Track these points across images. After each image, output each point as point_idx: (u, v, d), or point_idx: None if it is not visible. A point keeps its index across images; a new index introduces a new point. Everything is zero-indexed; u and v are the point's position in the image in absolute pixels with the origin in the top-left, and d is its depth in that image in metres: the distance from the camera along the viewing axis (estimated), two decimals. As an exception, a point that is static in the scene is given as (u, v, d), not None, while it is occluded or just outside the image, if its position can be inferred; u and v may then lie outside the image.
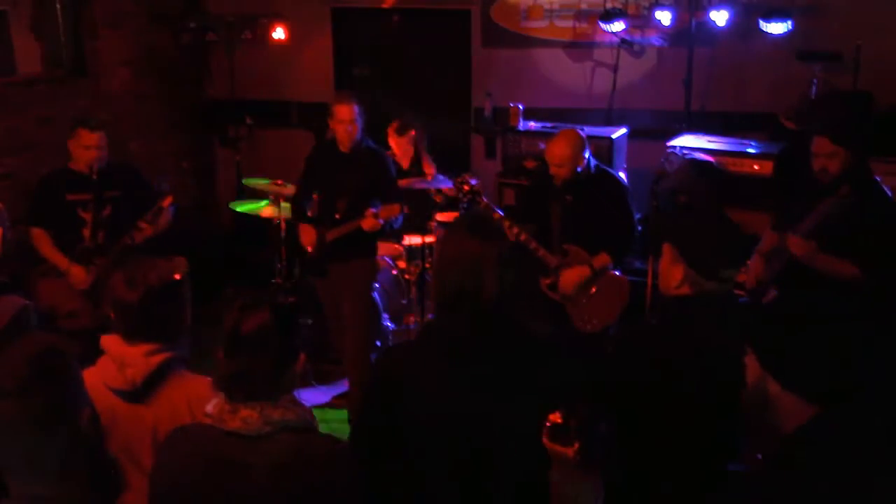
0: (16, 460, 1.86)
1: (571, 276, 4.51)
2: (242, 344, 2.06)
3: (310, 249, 4.88)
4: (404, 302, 5.87)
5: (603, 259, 4.50)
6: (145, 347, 2.48)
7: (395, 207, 4.68)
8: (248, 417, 2.04)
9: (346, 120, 4.67)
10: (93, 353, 2.58)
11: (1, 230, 3.97)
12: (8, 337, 2.13)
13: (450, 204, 5.97)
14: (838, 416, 1.86)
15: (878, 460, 1.80)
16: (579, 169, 4.45)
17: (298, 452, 2.06)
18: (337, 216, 4.76)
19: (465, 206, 4.93)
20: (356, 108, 4.68)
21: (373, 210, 4.59)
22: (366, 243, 4.83)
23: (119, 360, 2.48)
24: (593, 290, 4.53)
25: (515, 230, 4.48)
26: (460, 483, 2.20)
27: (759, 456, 2.40)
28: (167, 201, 4.47)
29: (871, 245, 3.62)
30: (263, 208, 5.71)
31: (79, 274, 4.43)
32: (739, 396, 2.11)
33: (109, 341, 2.53)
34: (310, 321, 5.64)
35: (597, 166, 4.63)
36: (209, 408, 2.10)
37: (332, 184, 4.83)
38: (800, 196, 3.95)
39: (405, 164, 6.15)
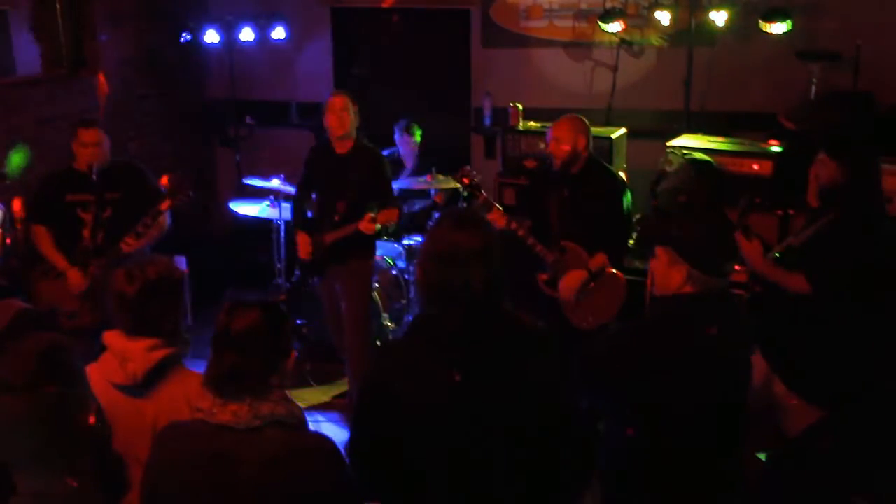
0: (24, 456, 1.87)
1: (570, 283, 4.53)
2: (232, 342, 2.10)
3: (305, 258, 4.89)
4: (404, 302, 5.87)
5: (600, 260, 4.51)
6: (146, 343, 2.52)
7: (394, 212, 4.68)
8: (237, 411, 2.07)
9: (337, 108, 4.70)
10: (92, 353, 2.60)
11: (0, 231, 3.97)
12: (7, 340, 2.13)
13: (449, 203, 5.98)
14: (845, 418, 1.86)
15: (882, 462, 1.81)
16: (579, 151, 4.50)
17: (288, 447, 2.09)
18: (336, 218, 4.76)
19: (464, 198, 4.94)
20: (348, 100, 4.72)
21: (370, 214, 4.60)
22: (364, 244, 4.83)
23: (120, 355, 2.51)
24: (591, 285, 4.54)
25: (514, 225, 4.50)
26: (460, 479, 2.21)
27: (760, 456, 2.40)
28: (166, 204, 4.46)
29: (829, 269, 3.50)
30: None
31: (76, 278, 4.44)
32: (745, 396, 2.11)
33: (111, 337, 2.57)
34: (310, 322, 5.66)
35: (597, 162, 4.66)
36: (201, 403, 2.12)
37: (330, 186, 4.84)
38: (806, 210, 3.89)
39: (408, 163, 6.16)
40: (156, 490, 2.15)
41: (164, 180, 4.53)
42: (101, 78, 4.82)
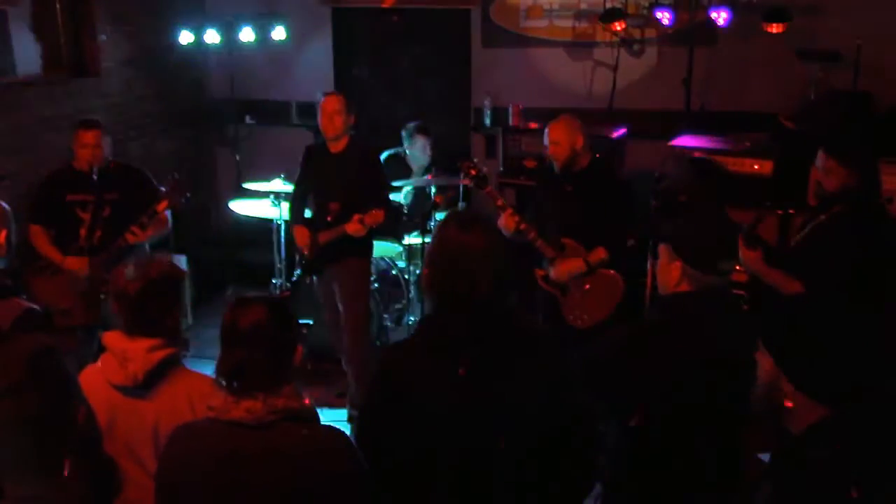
0: (11, 460, 1.86)
1: (565, 266, 4.52)
2: (240, 338, 2.10)
3: (305, 251, 4.90)
4: (404, 302, 5.87)
5: (599, 254, 4.52)
6: (147, 343, 2.52)
7: (380, 214, 4.68)
8: (251, 407, 2.08)
9: (330, 110, 4.72)
10: (86, 351, 2.59)
11: (6, 231, 3.96)
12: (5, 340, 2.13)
13: (450, 204, 5.98)
14: (849, 416, 1.86)
15: (886, 461, 1.81)
16: (578, 151, 4.51)
17: (303, 441, 2.09)
18: (329, 218, 4.77)
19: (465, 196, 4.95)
20: (342, 101, 4.74)
21: (358, 216, 4.62)
22: (360, 243, 4.84)
23: (121, 356, 2.50)
24: (587, 286, 4.55)
25: (516, 219, 4.52)
26: (464, 479, 2.21)
27: (761, 456, 2.40)
28: (162, 205, 4.47)
29: (825, 275, 3.49)
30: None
31: (75, 263, 4.43)
32: (746, 396, 2.11)
33: (111, 337, 2.56)
34: (310, 321, 5.66)
35: (599, 160, 4.67)
36: (213, 401, 2.13)
37: (324, 186, 4.86)
38: (804, 209, 3.90)
39: (415, 167, 6.15)
40: (172, 490, 2.15)
41: (168, 184, 4.54)
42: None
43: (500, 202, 4.64)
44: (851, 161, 3.60)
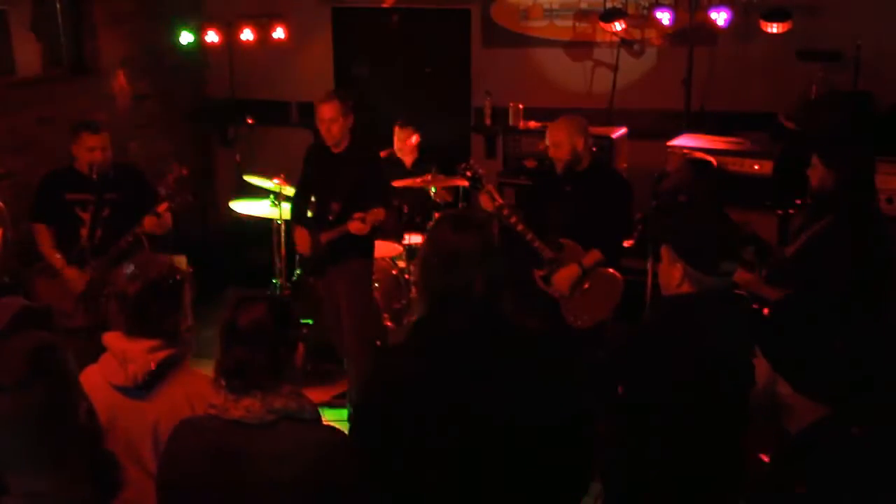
0: (14, 457, 1.86)
1: (564, 278, 4.54)
2: (240, 336, 2.11)
3: (304, 253, 4.91)
4: (404, 302, 5.86)
5: (594, 256, 4.53)
6: (147, 344, 2.52)
7: (381, 212, 4.70)
8: (250, 406, 2.08)
9: (326, 118, 4.69)
10: (86, 353, 2.58)
11: (1, 230, 3.97)
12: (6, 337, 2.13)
13: (450, 204, 5.98)
14: (848, 416, 1.86)
15: (885, 461, 1.81)
16: (580, 153, 4.52)
17: (301, 441, 2.09)
18: (330, 218, 4.78)
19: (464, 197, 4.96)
20: (338, 107, 4.69)
21: (360, 214, 4.62)
22: (362, 243, 4.84)
23: (121, 357, 2.50)
24: (586, 285, 4.55)
25: (514, 219, 4.52)
26: (461, 481, 2.20)
27: (763, 456, 2.41)
28: (163, 206, 4.48)
29: (827, 281, 3.49)
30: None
31: (73, 276, 4.45)
32: (746, 397, 2.11)
33: (111, 338, 2.56)
34: (311, 321, 5.66)
35: (601, 161, 4.68)
36: (214, 399, 2.14)
37: (325, 185, 4.86)
38: (801, 213, 3.92)
39: (408, 162, 6.14)
40: (171, 486, 2.16)
41: (171, 178, 4.53)
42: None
43: (499, 203, 4.63)
44: (832, 160, 3.63)
